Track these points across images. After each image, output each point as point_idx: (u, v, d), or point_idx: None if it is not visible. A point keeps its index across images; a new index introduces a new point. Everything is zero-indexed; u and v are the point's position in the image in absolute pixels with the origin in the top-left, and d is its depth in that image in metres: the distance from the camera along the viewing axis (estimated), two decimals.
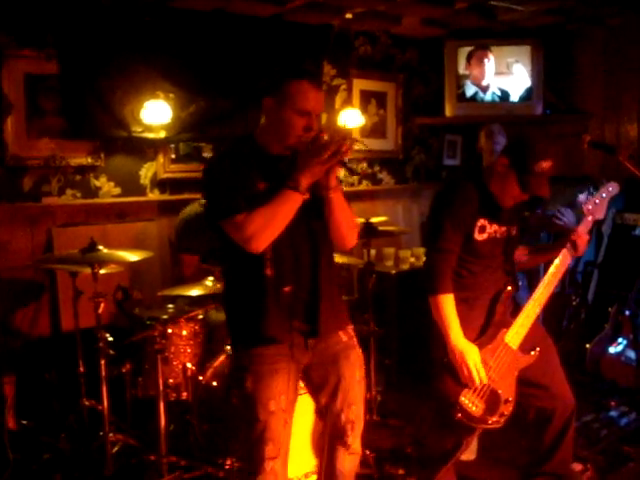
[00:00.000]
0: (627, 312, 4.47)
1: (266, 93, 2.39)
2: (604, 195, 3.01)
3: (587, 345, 4.57)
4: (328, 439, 2.59)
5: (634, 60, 5.27)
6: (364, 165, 5.59)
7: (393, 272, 4.91)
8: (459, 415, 2.77)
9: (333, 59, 5.27)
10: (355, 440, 2.57)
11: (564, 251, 2.93)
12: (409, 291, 4.66)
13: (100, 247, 3.38)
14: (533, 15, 5.00)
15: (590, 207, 2.99)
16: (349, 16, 4.84)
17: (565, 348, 4.46)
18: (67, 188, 4.24)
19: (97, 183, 4.36)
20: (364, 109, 5.45)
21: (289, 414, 2.44)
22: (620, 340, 4.48)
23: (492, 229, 2.85)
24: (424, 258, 2.93)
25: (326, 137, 2.30)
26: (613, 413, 4.10)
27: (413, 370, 4.05)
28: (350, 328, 2.60)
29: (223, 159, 2.48)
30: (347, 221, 2.48)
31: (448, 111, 5.64)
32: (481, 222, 2.82)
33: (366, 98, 5.52)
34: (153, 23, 4.29)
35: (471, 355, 2.74)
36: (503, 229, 2.89)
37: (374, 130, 5.61)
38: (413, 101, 5.83)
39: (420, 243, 5.53)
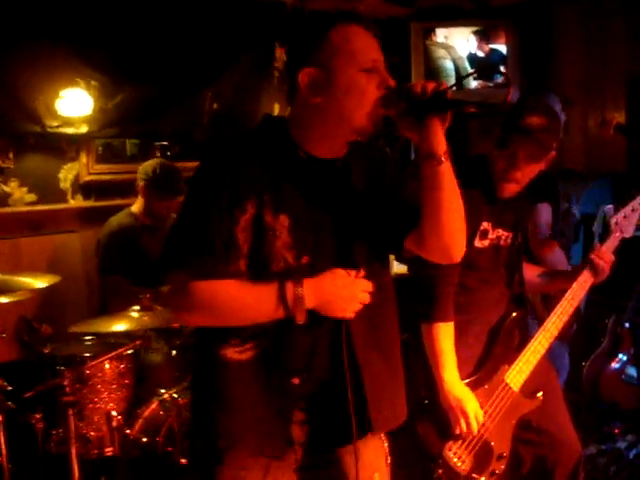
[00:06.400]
0: (627, 324, 3.97)
1: (300, 64, 1.60)
2: (634, 208, 2.49)
3: (583, 363, 4.05)
4: None
5: (616, 36, 4.79)
6: None
7: None
8: (439, 472, 2.27)
9: (286, 42, 4.68)
10: None
11: (584, 273, 2.42)
12: None
13: None
14: None
15: (618, 221, 2.46)
16: None
17: None
18: None
19: (6, 189, 3.70)
20: None
21: None
22: (620, 356, 3.98)
23: (495, 234, 2.31)
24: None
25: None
26: (620, 444, 3.60)
27: None
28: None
29: (223, 161, 1.60)
30: (456, 211, 1.67)
31: None
32: (484, 225, 2.28)
33: None
34: None
35: (470, 403, 2.19)
36: (507, 234, 2.35)
37: None
38: None
39: None
